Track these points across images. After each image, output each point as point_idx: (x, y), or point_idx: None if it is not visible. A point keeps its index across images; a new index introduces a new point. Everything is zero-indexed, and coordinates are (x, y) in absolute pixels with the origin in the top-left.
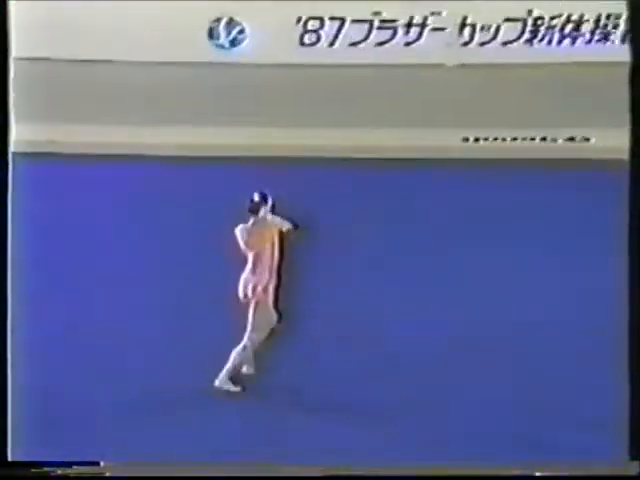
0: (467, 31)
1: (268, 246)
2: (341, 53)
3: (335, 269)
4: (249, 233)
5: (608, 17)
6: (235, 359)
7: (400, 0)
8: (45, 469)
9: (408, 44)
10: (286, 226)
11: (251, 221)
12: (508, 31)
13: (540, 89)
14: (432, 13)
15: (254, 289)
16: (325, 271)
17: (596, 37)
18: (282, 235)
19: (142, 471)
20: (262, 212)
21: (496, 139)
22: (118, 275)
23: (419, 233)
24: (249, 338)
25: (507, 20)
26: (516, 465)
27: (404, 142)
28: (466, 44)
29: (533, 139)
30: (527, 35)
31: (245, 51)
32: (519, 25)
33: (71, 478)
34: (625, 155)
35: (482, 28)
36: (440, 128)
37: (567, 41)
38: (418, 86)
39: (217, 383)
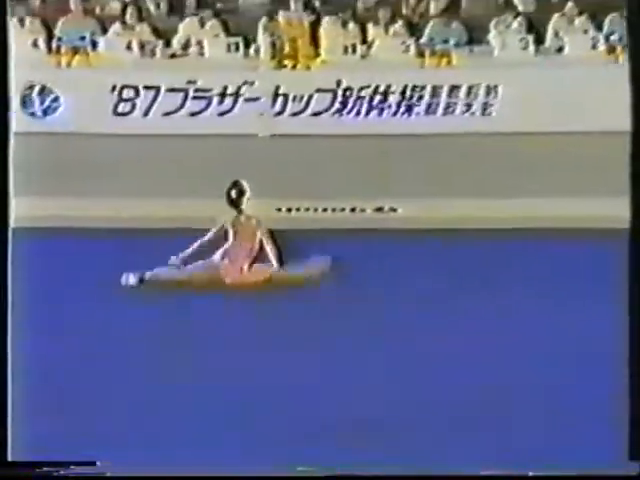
0: (280, 101)
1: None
2: (155, 123)
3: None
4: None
5: (414, 89)
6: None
7: (217, 70)
8: (45, 469)
9: (222, 114)
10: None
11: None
12: (319, 102)
13: (348, 159)
14: (245, 83)
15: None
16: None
17: (402, 109)
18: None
19: (142, 471)
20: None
21: (308, 209)
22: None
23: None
24: None
25: (318, 91)
26: (515, 465)
27: (216, 213)
28: (278, 114)
29: (343, 209)
30: (337, 106)
31: (59, 120)
32: (329, 96)
33: (71, 478)
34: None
35: (294, 99)
36: (254, 199)
37: (374, 112)
38: (232, 156)
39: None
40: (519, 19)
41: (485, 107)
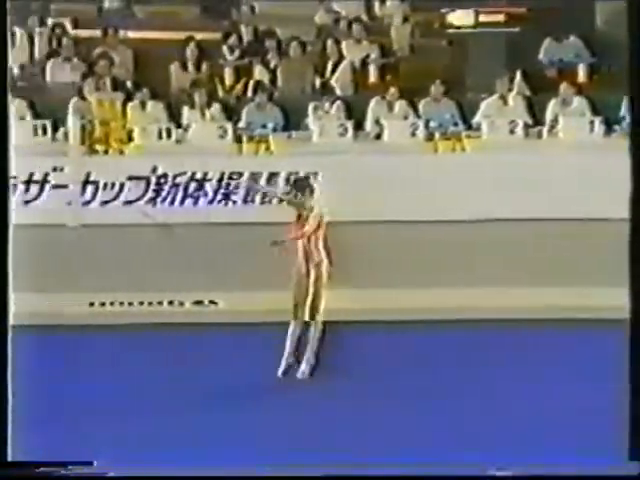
0: (90, 189)
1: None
2: None
3: None
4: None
5: (231, 176)
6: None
7: (22, 155)
8: (45, 469)
9: (27, 203)
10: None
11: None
12: (132, 189)
13: (162, 250)
14: (54, 169)
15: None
16: None
17: (218, 197)
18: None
19: (142, 471)
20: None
21: (122, 303)
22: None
23: None
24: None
25: (130, 178)
26: (516, 465)
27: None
28: (88, 203)
29: (160, 303)
30: (150, 194)
31: None
32: (142, 184)
33: (71, 478)
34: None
35: (105, 186)
36: (68, 293)
37: (190, 200)
38: (41, 248)
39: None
40: (338, 103)
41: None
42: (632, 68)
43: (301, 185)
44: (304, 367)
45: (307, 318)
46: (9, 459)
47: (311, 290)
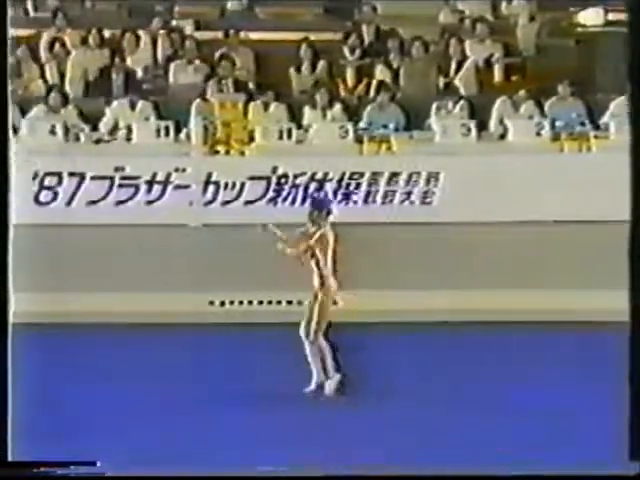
0: (211, 189)
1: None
2: (78, 213)
3: None
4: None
5: (351, 176)
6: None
7: (146, 156)
8: (45, 469)
9: (149, 203)
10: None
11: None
12: (252, 189)
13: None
14: (176, 169)
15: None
16: None
17: (338, 197)
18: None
19: (141, 471)
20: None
21: (242, 302)
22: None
23: None
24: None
25: (251, 178)
26: (516, 465)
27: (155, 308)
28: (209, 203)
29: (270, 302)
30: (271, 194)
31: None
32: (263, 183)
33: (71, 478)
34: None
35: (226, 186)
36: (185, 293)
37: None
38: (161, 247)
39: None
40: (461, 103)
41: (425, 196)
42: (632, 68)
43: (319, 205)
44: (329, 383)
45: (310, 338)
46: (9, 459)
47: (316, 311)
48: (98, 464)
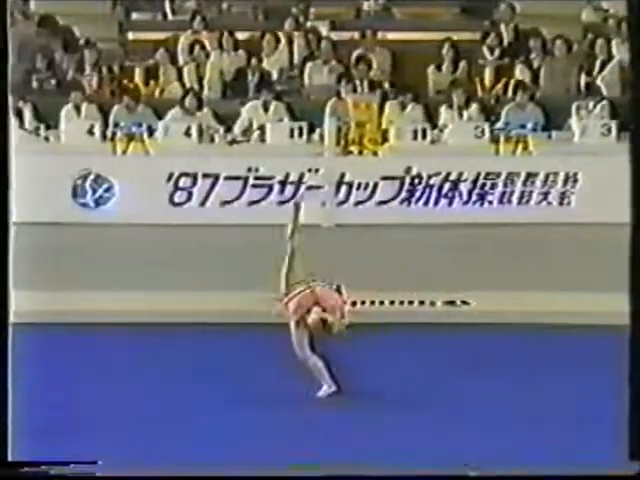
0: (344, 189)
1: None
2: (212, 213)
3: None
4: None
5: (487, 176)
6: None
7: (279, 156)
8: (45, 469)
9: (282, 203)
10: None
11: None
12: (385, 190)
13: (416, 250)
14: (309, 170)
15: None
16: None
17: (473, 198)
18: None
19: (141, 471)
20: None
21: (373, 302)
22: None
23: None
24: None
25: (384, 179)
26: (516, 465)
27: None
28: (342, 203)
29: (412, 302)
30: (404, 194)
31: (112, 210)
32: (396, 184)
33: (71, 478)
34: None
35: (359, 186)
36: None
37: (444, 201)
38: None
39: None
40: (603, 103)
41: (563, 196)
42: (632, 68)
43: None
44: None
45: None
46: (9, 459)
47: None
48: (98, 464)
